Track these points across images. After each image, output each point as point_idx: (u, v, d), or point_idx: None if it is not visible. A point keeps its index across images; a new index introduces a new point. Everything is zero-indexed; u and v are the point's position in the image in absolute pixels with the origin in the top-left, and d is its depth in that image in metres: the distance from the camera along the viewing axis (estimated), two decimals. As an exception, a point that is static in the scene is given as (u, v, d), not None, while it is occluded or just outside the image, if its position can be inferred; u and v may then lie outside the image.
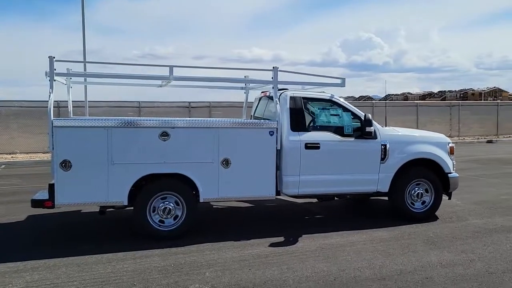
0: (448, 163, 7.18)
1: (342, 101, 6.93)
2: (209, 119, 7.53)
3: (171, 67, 6.14)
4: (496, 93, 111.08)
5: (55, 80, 5.79)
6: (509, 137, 26.33)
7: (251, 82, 7.10)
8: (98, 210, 6.30)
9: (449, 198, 7.38)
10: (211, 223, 6.99)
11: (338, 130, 6.73)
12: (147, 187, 5.97)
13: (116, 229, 6.71)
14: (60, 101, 18.70)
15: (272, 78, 6.51)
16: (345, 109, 6.86)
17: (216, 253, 5.54)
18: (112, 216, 7.25)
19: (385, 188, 6.90)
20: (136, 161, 5.88)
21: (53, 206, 5.70)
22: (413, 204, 7.10)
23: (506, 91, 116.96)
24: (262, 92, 7.85)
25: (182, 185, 6.11)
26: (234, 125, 6.28)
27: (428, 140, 7.21)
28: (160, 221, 6.07)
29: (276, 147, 6.36)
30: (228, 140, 6.17)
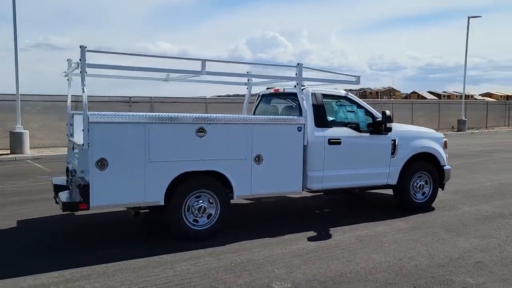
0: (443, 156, 7.77)
1: (356, 98, 7.19)
2: (243, 115, 7.36)
3: (203, 61, 5.94)
4: (390, 92, 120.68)
5: (86, 73, 5.31)
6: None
7: (274, 79, 7.06)
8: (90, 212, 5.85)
9: (442, 189, 7.98)
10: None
11: (355, 126, 6.98)
12: (183, 186, 5.73)
13: (134, 231, 6.35)
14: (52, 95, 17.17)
15: (296, 74, 6.55)
16: (359, 106, 7.14)
17: (265, 250, 5.49)
18: (119, 217, 6.85)
19: (394, 181, 7.30)
20: (173, 159, 5.62)
21: (88, 208, 5.26)
22: (415, 195, 7.59)
23: (398, 91, 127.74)
24: (269, 88, 7.85)
25: (216, 182, 5.95)
26: (267, 121, 6.24)
27: (428, 136, 7.74)
28: (194, 220, 5.87)
29: (303, 143, 6.44)
30: (261, 136, 6.13)
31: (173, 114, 5.62)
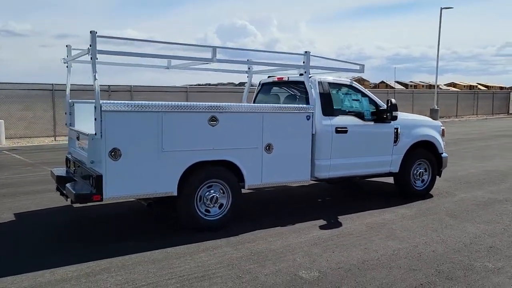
0: (441, 144, 7.92)
1: (360, 86, 7.21)
2: (254, 104, 7.24)
3: (214, 48, 5.81)
4: (360, 82, 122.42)
5: (97, 59, 5.10)
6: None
7: (285, 67, 6.97)
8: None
9: (440, 176, 8.12)
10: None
11: (360, 115, 7.01)
12: (195, 176, 5.62)
13: (142, 223, 6.19)
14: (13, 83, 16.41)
15: (303, 62, 6.50)
16: (363, 94, 7.16)
17: (280, 239, 5.47)
18: (120, 209, 6.69)
19: (396, 169, 7.38)
20: (186, 148, 5.51)
21: (101, 200, 5.09)
22: (415, 183, 7.71)
23: (367, 80, 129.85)
24: (271, 77, 7.77)
25: (228, 172, 5.87)
26: (277, 109, 6.19)
27: (427, 124, 7.85)
28: (206, 210, 5.79)
29: (312, 132, 6.42)
30: (271, 125, 6.07)
31: (186, 103, 5.50)
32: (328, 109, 6.65)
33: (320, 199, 7.81)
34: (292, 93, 7.47)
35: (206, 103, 5.68)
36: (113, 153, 5.06)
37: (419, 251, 5.09)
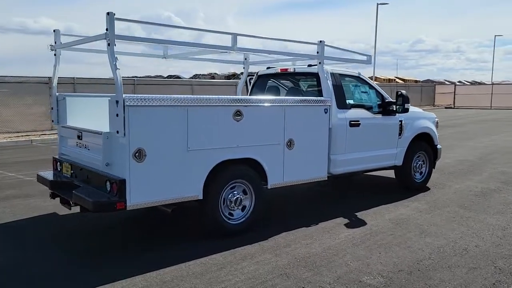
0: (437, 136, 7.94)
1: (367, 78, 7.00)
2: (276, 97, 6.70)
3: (234, 36, 5.29)
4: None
5: (115, 46, 4.40)
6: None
7: (297, 56, 6.53)
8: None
9: (434, 167, 8.16)
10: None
11: (369, 107, 6.80)
12: (219, 176, 5.10)
13: (153, 231, 5.56)
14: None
15: (317, 52, 6.15)
16: (371, 86, 6.96)
17: (315, 241, 5.12)
18: (113, 216, 6.00)
19: (400, 162, 7.28)
20: (212, 146, 4.97)
21: (125, 208, 4.43)
22: (415, 175, 7.67)
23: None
24: (270, 68, 7.34)
25: (251, 171, 5.40)
26: (297, 102, 5.79)
27: (425, 116, 7.83)
28: (230, 214, 5.29)
29: (329, 126, 6.11)
30: (292, 119, 5.68)
31: (211, 96, 4.95)
32: (342, 102, 6.37)
33: (326, 194, 7.52)
34: (296, 85, 7.10)
35: (231, 96, 5.17)
36: (137, 154, 4.42)
37: (462, 247, 4.95)
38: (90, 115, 5.34)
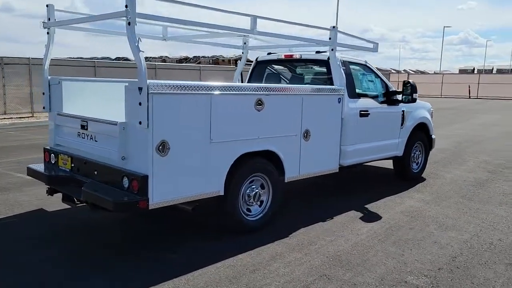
0: (432, 126, 7.92)
1: (373, 66, 6.80)
2: (294, 85, 6.29)
3: (253, 18, 4.90)
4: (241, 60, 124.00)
5: (136, 25, 3.91)
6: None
7: (309, 41, 6.16)
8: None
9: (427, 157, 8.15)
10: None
11: (375, 97, 6.63)
12: (240, 170, 4.74)
13: (163, 230, 5.13)
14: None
15: (330, 38, 5.86)
16: (376, 75, 6.78)
17: (338, 238, 4.89)
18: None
19: (401, 152, 7.19)
20: (234, 138, 4.60)
21: (147, 207, 3.99)
22: (412, 165, 7.62)
23: (249, 59, 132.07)
24: (271, 53, 6.97)
25: (270, 164, 5.08)
26: (314, 91, 5.50)
27: (423, 106, 7.76)
28: (248, 209, 4.97)
29: (341, 116, 5.88)
30: (309, 109, 5.39)
31: (234, 83, 4.57)
32: (352, 91, 6.14)
33: (323, 186, 7.31)
34: (301, 73, 6.80)
35: (252, 84, 4.80)
36: (161, 147, 3.98)
37: (487, 241, 4.89)
38: (94, 102, 4.82)
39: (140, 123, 3.87)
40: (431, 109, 8.05)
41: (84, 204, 4.41)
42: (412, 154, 7.53)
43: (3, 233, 4.84)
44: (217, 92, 4.35)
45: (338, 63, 5.92)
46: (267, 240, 4.74)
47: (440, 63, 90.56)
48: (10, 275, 3.83)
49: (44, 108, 5.26)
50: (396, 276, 3.97)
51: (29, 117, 17.07)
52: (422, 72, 76.80)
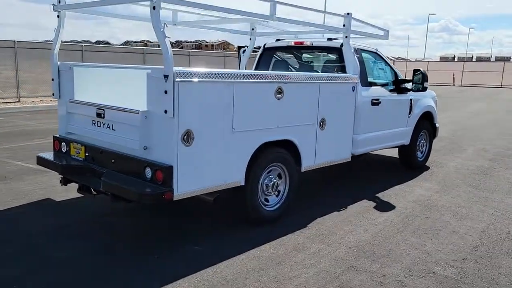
0: (437, 114, 7.93)
1: (383, 54, 6.74)
2: (312, 73, 6.17)
3: (273, 3, 4.77)
4: (224, 45, 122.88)
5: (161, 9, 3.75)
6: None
7: (325, 28, 6.02)
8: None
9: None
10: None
11: (385, 85, 6.58)
12: (260, 159, 4.65)
13: (176, 218, 5.03)
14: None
15: (344, 25, 5.77)
16: (386, 63, 6.73)
17: (358, 228, 4.87)
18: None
19: (408, 140, 7.18)
20: (255, 127, 4.50)
21: (171, 199, 3.88)
22: (417, 154, 7.63)
23: (232, 44, 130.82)
24: (280, 40, 6.85)
25: (287, 154, 5.00)
26: (330, 79, 5.41)
27: (428, 94, 7.74)
28: (265, 199, 4.90)
29: (355, 104, 5.82)
30: (325, 97, 5.32)
31: (255, 71, 4.46)
32: (365, 79, 6.08)
33: (329, 174, 7.26)
34: (309, 60, 6.70)
35: (273, 72, 4.69)
36: (186, 137, 3.86)
37: (504, 230, 4.93)
38: (108, 89, 4.64)
39: (165, 112, 3.74)
40: (436, 97, 8.04)
41: (103, 194, 4.27)
42: (417, 143, 7.53)
43: (18, 226, 4.67)
44: (240, 80, 4.23)
45: (352, 50, 5.84)
46: (286, 230, 4.68)
47: (424, 50, 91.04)
48: (48, 271, 3.69)
49: (53, 94, 5.06)
50: (422, 267, 3.95)
51: (14, 102, 16.62)
52: (404, 60, 77.16)
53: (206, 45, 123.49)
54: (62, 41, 4.96)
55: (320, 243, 4.40)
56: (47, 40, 20.68)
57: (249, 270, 3.80)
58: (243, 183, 4.47)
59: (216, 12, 4.86)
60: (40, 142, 9.14)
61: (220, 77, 4.06)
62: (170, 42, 3.80)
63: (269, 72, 4.65)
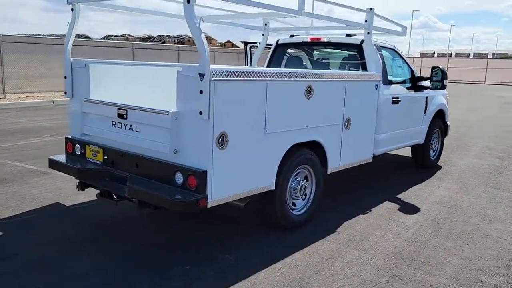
0: (448, 112, 7.81)
1: (400, 51, 6.56)
2: (339, 71, 5.92)
3: (302, -2, 4.52)
4: (208, 40, 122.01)
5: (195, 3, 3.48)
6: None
7: (348, 24, 5.76)
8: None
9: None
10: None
11: (403, 82, 6.41)
12: (289, 162, 4.42)
13: (199, 226, 4.77)
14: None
15: (366, 21, 5.56)
16: (404, 60, 6.56)
17: (389, 233, 4.69)
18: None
19: (423, 139, 7.04)
20: (285, 128, 4.27)
21: (206, 206, 3.63)
22: (430, 153, 7.50)
23: (215, 39, 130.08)
24: (294, 36, 6.61)
25: (314, 155, 4.79)
26: (355, 77, 5.21)
27: (439, 92, 7.59)
28: (293, 203, 4.68)
29: (377, 103, 5.63)
30: (350, 96, 5.11)
31: (287, 69, 4.23)
32: (385, 77, 5.89)
33: (343, 175, 7.07)
34: (326, 57, 6.49)
35: (302, 70, 4.47)
36: (220, 140, 3.61)
37: (536, 233, 4.80)
38: (128, 88, 4.36)
39: (200, 113, 3.48)
40: (447, 94, 7.91)
41: (127, 200, 4.00)
42: (431, 142, 7.39)
43: (32, 232, 4.36)
44: (272, 79, 3.99)
45: (374, 47, 5.64)
46: (316, 236, 4.48)
47: (408, 47, 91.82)
48: (73, 281, 3.41)
49: (65, 93, 4.74)
50: (468, 275, 3.79)
51: (0, 98, 16.03)
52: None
53: (189, 40, 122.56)
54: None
55: (355, 250, 4.21)
56: (24, 34, 20.06)
57: (289, 281, 3.58)
58: (273, 187, 4.24)
59: (242, 7, 4.58)
60: (36, 141, 8.76)
61: (255, 75, 3.81)
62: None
63: (299, 70, 4.40)
